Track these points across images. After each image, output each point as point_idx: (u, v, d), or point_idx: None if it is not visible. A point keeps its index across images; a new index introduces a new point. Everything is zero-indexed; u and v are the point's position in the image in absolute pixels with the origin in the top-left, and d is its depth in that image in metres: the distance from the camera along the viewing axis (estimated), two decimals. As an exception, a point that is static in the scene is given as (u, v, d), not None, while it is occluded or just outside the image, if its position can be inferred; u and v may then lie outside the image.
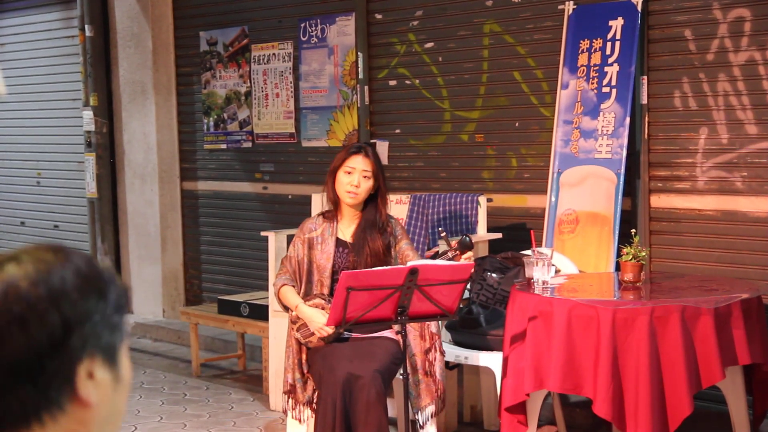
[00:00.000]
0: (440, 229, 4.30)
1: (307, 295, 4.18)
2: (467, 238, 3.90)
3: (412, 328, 4.12)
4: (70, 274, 1.17)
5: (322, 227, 4.24)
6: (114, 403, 1.20)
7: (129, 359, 1.24)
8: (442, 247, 4.15)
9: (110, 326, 1.19)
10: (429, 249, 5.16)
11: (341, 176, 4.14)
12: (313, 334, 4.06)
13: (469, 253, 3.91)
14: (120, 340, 1.21)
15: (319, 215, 4.32)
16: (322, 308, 4.07)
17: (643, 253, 4.09)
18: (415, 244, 5.17)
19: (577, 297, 3.92)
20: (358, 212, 4.24)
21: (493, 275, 4.64)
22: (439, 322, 4.27)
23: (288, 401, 4.19)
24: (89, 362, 1.16)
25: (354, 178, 4.12)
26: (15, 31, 8.85)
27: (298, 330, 4.12)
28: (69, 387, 1.15)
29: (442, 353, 4.18)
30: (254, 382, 6.00)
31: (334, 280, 4.12)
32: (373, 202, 4.21)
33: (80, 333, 1.15)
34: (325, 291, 4.16)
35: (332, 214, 4.26)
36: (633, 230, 4.33)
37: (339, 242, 4.22)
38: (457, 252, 3.88)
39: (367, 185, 4.15)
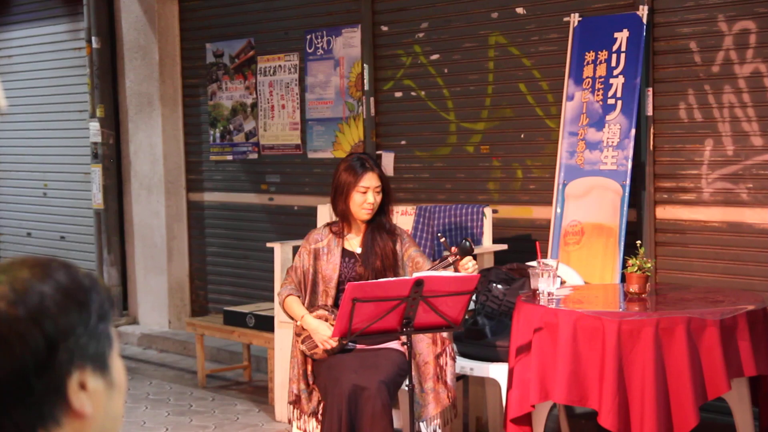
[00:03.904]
0: (439, 234, 4.31)
1: (311, 306, 4.19)
2: (467, 243, 3.89)
3: (424, 335, 4.12)
4: (48, 289, 1.16)
5: (329, 238, 4.26)
6: (109, 408, 1.20)
7: (121, 362, 1.24)
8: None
9: (96, 335, 1.18)
10: (434, 260, 5.16)
11: (356, 198, 4.15)
12: (317, 345, 4.07)
13: (469, 257, 3.90)
14: (108, 346, 1.20)
15: (325, 226, 4.33)
16: (326, 320, 4.08)
17: (649, 265, 4.09)
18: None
19: (583, 308, 3.92)
20: (365, 222, 4.26)
21: (499, 286, 4.65)
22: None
23: (293, 412, 4.19)
24: (79, 374, 1.16)
25: (369, 196, 4.15)
26: (22, 43, 8.89)
27: (303, 342, 4.13)
28: (61, 401, 1.14)
29: (453, 358, 4.18)
30: (260, 393, 6.00)
31: (339, 291, 4.13)
32: (379, 207, 4.23)
33: (65, 348, 1.14)
34: (330, 302, 4.17)
35: (339, 226, 4.27)
36: (638, 242, 4.33)
37: (345, 253, 4.23)
38: (458, 257, 3.89)
39: (380, 198, 4.19)
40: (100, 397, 1.18)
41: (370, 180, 4.14)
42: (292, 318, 4.21)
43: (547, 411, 4.05)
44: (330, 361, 4.05)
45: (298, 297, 4.19)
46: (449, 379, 4.13)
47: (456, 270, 3.89)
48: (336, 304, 4.12)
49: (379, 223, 4.23)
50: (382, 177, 4.20)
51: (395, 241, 4.24)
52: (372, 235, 4.22)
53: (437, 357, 4.14)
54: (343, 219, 4.25)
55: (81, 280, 1.21)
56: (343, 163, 4.22)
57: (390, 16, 6.20)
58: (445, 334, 4.16)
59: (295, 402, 4.18)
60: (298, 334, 4.16)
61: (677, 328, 3.65)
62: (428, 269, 4.00)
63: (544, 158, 5.48)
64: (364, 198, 4.14)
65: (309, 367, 4.17)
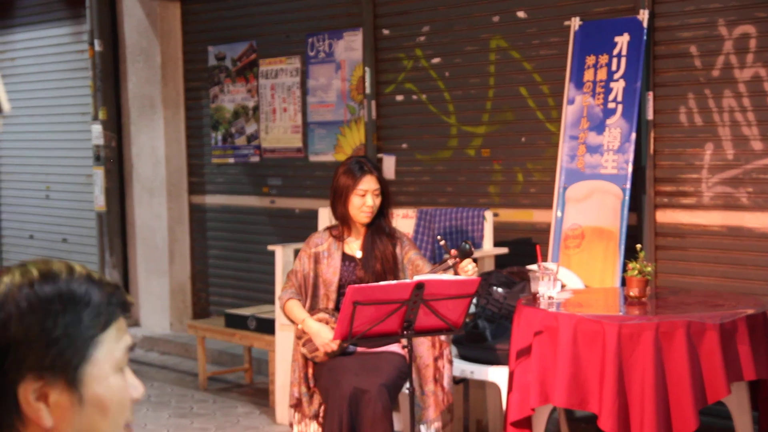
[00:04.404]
0: (439, 236, 4.31)
1: (312, 309, 4.20)
2: (466, 245, 3.91)
3: (424, 338, 4.13)
4: (20, 295, 1.16)
5: (329, 242, 4.27)
6: (81, 424, 1.18)
7: (115, 381, 1.22)
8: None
9: (58, 347, 1.16)
10: (436, 263, 5.18)
11: (355, 200, 4.16)
12: (318, 348, 4.08)
13: (469, 260, 3.91)
14: (81, 360, 1.18)
15: (325, 230, 4.35)
16: (327, 323, 4.09)
17: (649, 269, 4.10)
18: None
19: (583, 312, 3.93)
20: (365, 225, 4.27)
21: (499, 290, 4.66)
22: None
23: (294, 415, 4.21)
24: (35, 384, 1.14)
25: (368, 199, 4.16)
26: (25, 45, 8.91)
27: (303, 345, 4.14)
28: (10, 409, 1.13)
29: (450, 361, 4.19)
30: (261, 396, 6.02)
31: (340, 294, 4.15)
32: (379, 211, 4.24)
33: (14, 356, 1.13)
34: (331, 305, 4.18)
35: (339, 230, 4.29)
36: (638, 245, 4.34)
37: (346, 257, 4.24)
38: (457, 259, 3.90)
39: (379, 201, 4.20)
40: (66, 411, 1.16)
41: (368, 183, 4.15)
42: (292, 322, 4.23)
43: (547, 414, 4.05)
44: (331, 364, 4.06)
45: (299, 300, 4.20)
46: (446, 382, 4.15)
47: (456, 273, 3.90)
48: (337, 308, 4.14)
49: (378, 227, 4.25)
50: (381, 180, 4.21)
51: (395, 244, 4.25)
52: (372, 239, 4.23)
53: (435, 360, 4.15)
54: (343, 222, 4.26)
55: (70, 290, 1.19)
56: (342, 166, 4.24)
57: (391, 20, 6.22)
58: (442, 338, 4.17)
59: (296, 405, 4.19)
60: (299, 338, 4.18)
61: (677, 332, 3.66)
62: (428, 272, 4.02)
63: (545, 162, 5.49)
64: (363, 201, 4.15)
65: (310, 370, 4.19)
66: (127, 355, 1.27)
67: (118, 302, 1.25)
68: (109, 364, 1.22)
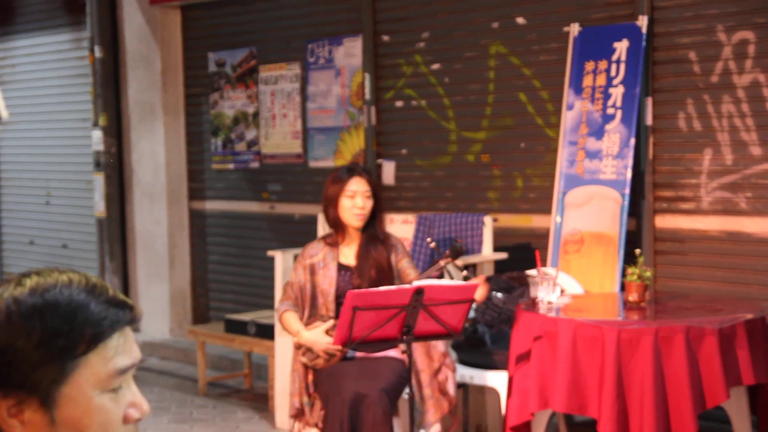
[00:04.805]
0: (429, 239, 4.33)
1: (310, 317, 4.19)
2: (458, 244, 3.94)
3: (418, 345, 4.14)
4: (2, 308, 1.14)
5: (324, 251, 4.26)
6: None
7: (103, 402, 1.19)
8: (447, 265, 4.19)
9: (30, 366, 1.14)
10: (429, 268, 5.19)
11: (344, 202, 4.16)
12: (318, 356, 4.07)
13: (463, 257, 3.94)
14: (55, 382, 1.15)
15: (319, 240, 4.34)
16: (324, 322, 4.08)
17: (648, 274, 4.11)
18: (420, 264, 5.21)
19: (582, 317, 3.93)
20: (359, 231, 4.27)
21: (499, 295, 4.67)
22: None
23: (294, 425, 4.19)
24: (8, 401, 1.13)
25: (358, 200, 4.16)
26: (26, 52, 8.93)
27: (303, 354, 4.13)
28: None
29: (453, 370, 4.19)
30: (260, 401, 6.02)
31: (338, 304, 4.14)
32: (372, 217, 4.25)
33: None
34: (331, 314, 4.18)
35: (333, 238, 4.28)
36: (637, 250, 4.35)
37: (341, 267, 4.24)
38: (449, 258, 3.92)
39: (370, 204, 4.20)
40: (39, 430, 1.15)
41: (357, 184, 4.16)
42: (290, 333, 4.22)
43: (546, 419, 4.06)
44: (331, 370, 4.06)
45: (295, 312, 4.19)
46: (450, 388, 4.15)
47: (449, 272, 3.93)
48: (337, 317, 4.13)
49: (372, 233, 4.24)
50: (371, 182, 4.21)
51: (390, 251, 4.24)
52: (366, 246, 4.22)
53: (435, 373, 4.15)
54: (336, 229, 4.25)
55: (55, 307, 1.17)
56: (332, 174, 4.26)
57: (391, 26, 6.23)
58: (441, 349, 4.17)
59: (297, 415, 4.18)
60: (298, 347, 4.17)
61: (676, 337, 3.66)
62: (420, 276, 4.04)
63: (544, 167, 5.50)
64: (353, 203, 4.15)
65: (310, 377, 4.18)
66: (120, 375, 1.22)
67: (112, 322, 1.20)
68: (92, 386, 1.18)
